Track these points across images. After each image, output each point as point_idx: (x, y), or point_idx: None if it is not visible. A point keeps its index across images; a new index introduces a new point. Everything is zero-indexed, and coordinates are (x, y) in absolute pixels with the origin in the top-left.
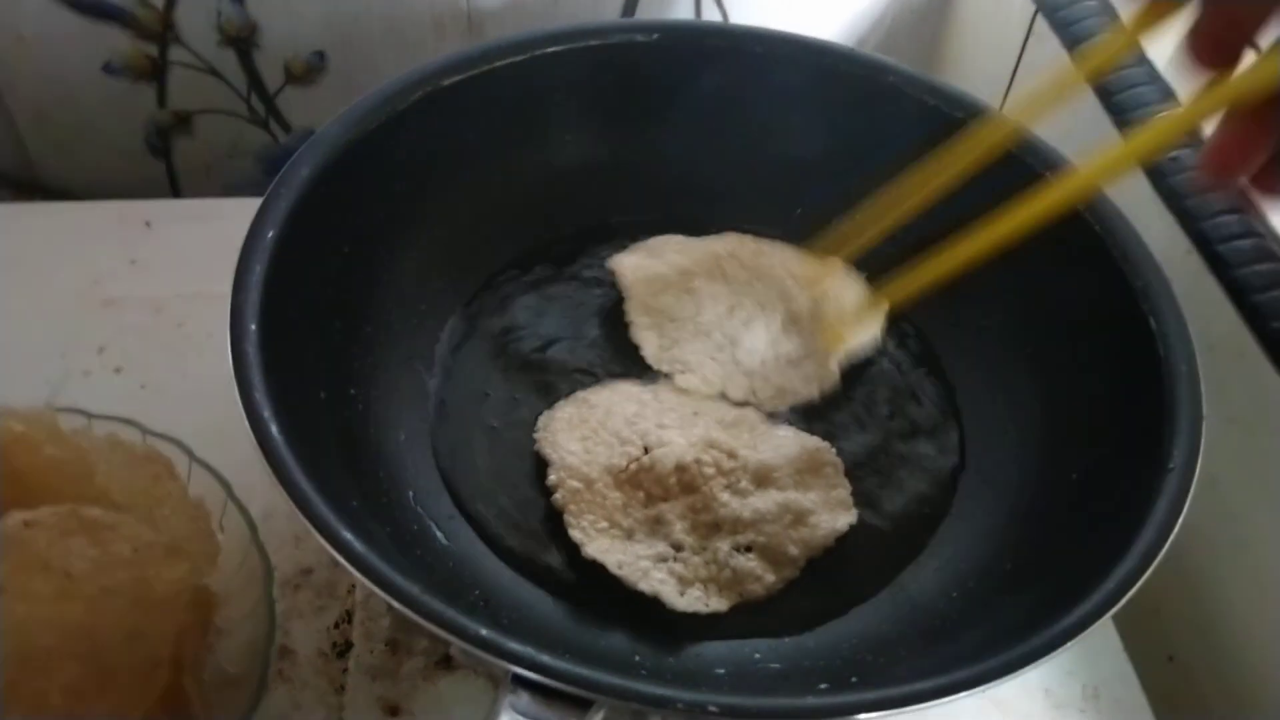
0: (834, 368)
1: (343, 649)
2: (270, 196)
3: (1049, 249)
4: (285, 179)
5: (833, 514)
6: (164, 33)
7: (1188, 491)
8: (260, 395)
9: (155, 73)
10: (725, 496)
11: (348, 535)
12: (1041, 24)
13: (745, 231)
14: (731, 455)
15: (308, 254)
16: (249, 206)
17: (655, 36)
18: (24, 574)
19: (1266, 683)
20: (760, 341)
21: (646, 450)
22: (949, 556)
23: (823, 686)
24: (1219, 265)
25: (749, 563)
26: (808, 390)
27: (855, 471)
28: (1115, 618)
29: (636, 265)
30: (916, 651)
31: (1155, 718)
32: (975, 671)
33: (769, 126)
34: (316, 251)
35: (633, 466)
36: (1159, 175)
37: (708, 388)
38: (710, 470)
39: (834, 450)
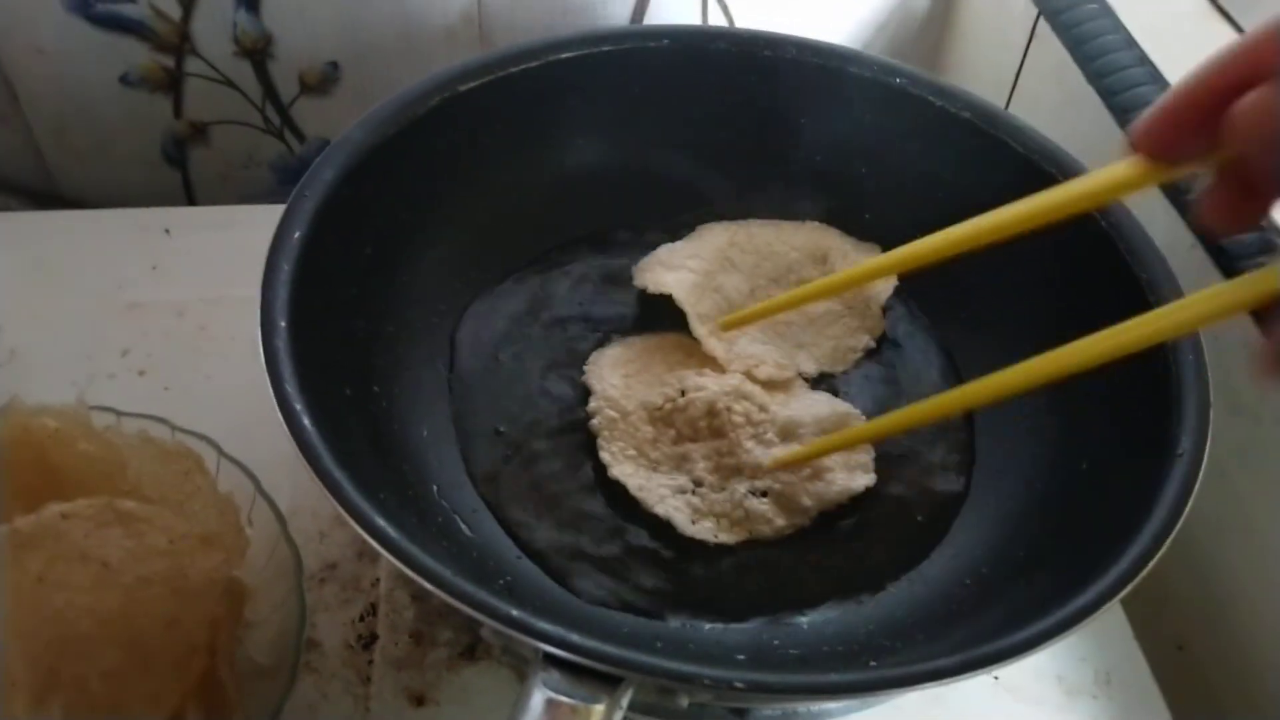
0: (876, 313)
1: (368, 641)
2: (296, 198)
3: (1056, 242)
4: (310, 181)
5: (850, 474)
6: (180, 45)
7: (1197, 475)
8: (292, 388)
9: (172, 84)
10: (750, 444)
11: (381, 521)
12: (1044, 26)
13: None
14: (763, 408)
15: (332, 254)
16: (266, 213)
17: (665, 42)
18: (62, 564)
19: (1275, 670)
20: (792, 317)
21: (683, 393)
22: (963, 544)
23: (837, 672)
24: (1223, 258)
25: (762, 506)
26: (860, 341)
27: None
28: (1125, 606)
29: (677, 281)
30: (932, 636)
31: (1166, 704)
32: (991, 650)
33: (779, 130)
34: (340, 252)
35: (668, 405)
36: None
37: (784, 372)
38: (740, 419)
39: (863, 417)
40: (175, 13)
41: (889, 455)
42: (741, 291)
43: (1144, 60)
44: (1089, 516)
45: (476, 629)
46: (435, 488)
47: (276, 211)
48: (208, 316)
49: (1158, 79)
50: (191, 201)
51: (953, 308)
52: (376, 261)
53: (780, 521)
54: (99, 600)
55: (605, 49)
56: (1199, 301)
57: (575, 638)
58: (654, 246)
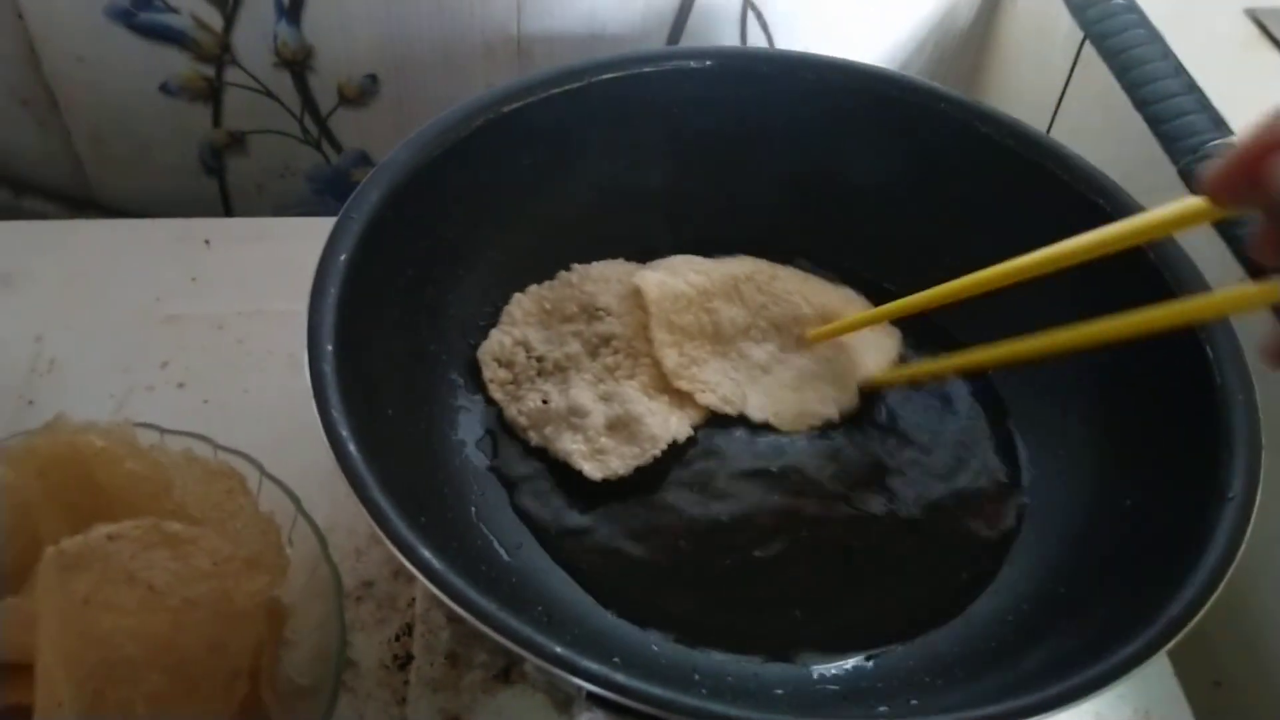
0: (853, 389)
1: (403, 661)
2: (342, 220)
3: (1104, 277)
4: (356, 203)
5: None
6: (221, 55)
7: (1248, 522)
8: (338, 414)
9: (211, 94)
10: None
11: (426, 553)
12: (1089, 50)
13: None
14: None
15: (376, 276)
16: (305, 226)
17: (708, 63)
18: (109, 586)
19: None
20: (774, 364)
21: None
22: (1005, 580)
23: (882, 709)
24: None
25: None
26: (826, 411)
27: (920, 498)
28: None
29: (660, 283)
30: (974, 675)
31: None
32: (1035, 700)
33: (821, 152)
34: (384, 273)
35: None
36: None
37: (728, 407)
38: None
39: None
40: (217, 23)
41: (926, 490)
42: (737, 325)
43: (1192, 87)
44: (1134, 557)
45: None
46: (473, 510)
47: (315, 224)
48: (246, 330)
49: (1206, 106)
50: (228, 210)
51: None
52: (419, 282)
53: (522, 421)
54: (145, 623)
55: (647, 70)
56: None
57: (620, 678)
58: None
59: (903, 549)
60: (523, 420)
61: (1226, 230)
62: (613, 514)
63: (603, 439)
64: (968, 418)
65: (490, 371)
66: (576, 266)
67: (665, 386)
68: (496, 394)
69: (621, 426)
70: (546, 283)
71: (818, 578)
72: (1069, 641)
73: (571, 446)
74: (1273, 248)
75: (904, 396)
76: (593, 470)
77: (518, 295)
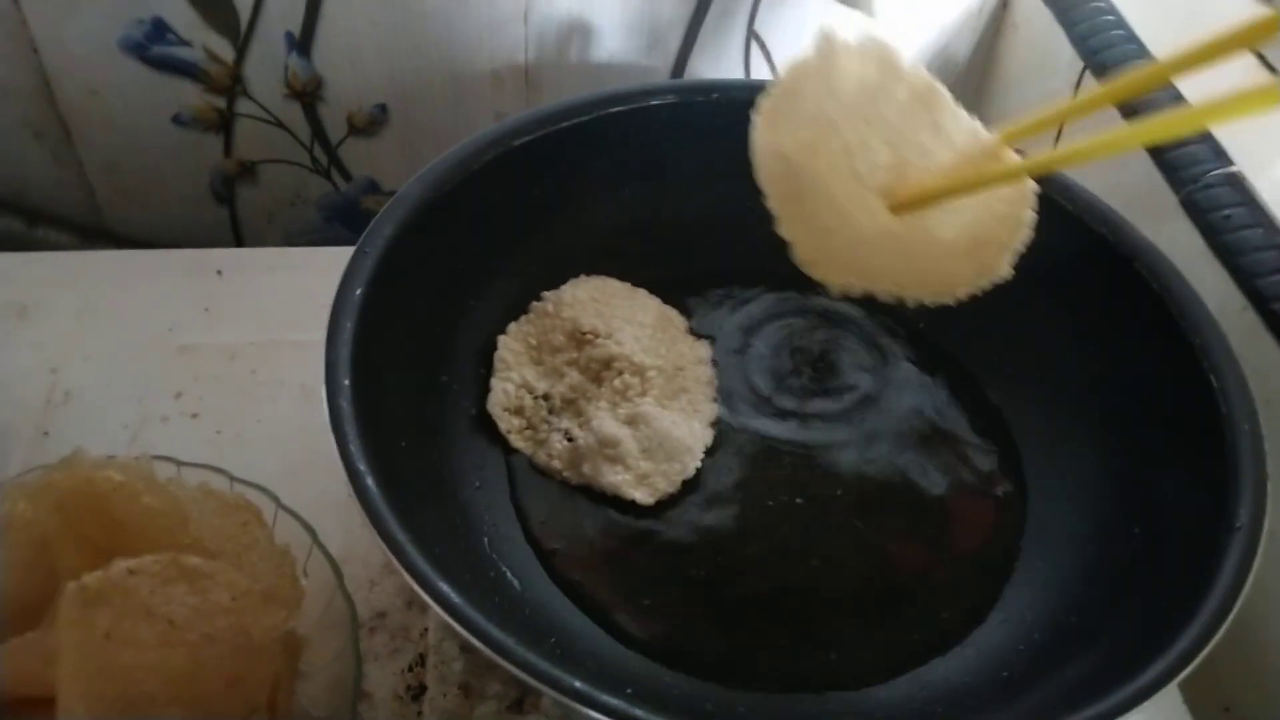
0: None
1: (417, 692)
2: (357, 255)
3: (1107, 306)
4: (370, 238)
5: (635, 487)
6: (232, 86)
7: (1255, 551)
8: (355, 448)
9: (223, 124)
10: (603, 406)
11: (444, 586)
12: (1090, 80)
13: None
14: (639, 392)
15: (391, 309)
16: (316, 256)
17: (714, 96)
18: (129, 621)
19: None
20: None
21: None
22: (1015, 609)
23: None
24: (1275, 321)
25: (557, 444)
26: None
27: (920, 526)
28: None
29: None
30: (986, 704)
31: None
32: None
33: None
34: (398, 306)
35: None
36: (1213, 232)
37: None
38: (618, 384)
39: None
40: (229, 55)
41: (935, 514)
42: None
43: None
44: (1143, 585)
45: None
46: (486, 540)
47: (326, 254)
48: (259, 360)
49: (1207, 136)
50: (238, 238)
51: (990, 366)
52: (431, 314)
53: (555, 464)
54: (164, 658)
55: (653, 103)
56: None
57: (639, 712)
58: (710, 300)
59: (904, 577)
60: (556, 464)
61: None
62: (625, 543)
63: (643, 464)
64: (971, 442)
65: (505, 423)
66: (547, 294)
67: (675, 393)
68: (518, 443)
69: (656, 447)
70: (524, 318)
71: (825, 608)
72: (1081, 672)
73: (615, 478)
74: None
75: (900, 418)
76: (644, 497)
77: (502, 338)
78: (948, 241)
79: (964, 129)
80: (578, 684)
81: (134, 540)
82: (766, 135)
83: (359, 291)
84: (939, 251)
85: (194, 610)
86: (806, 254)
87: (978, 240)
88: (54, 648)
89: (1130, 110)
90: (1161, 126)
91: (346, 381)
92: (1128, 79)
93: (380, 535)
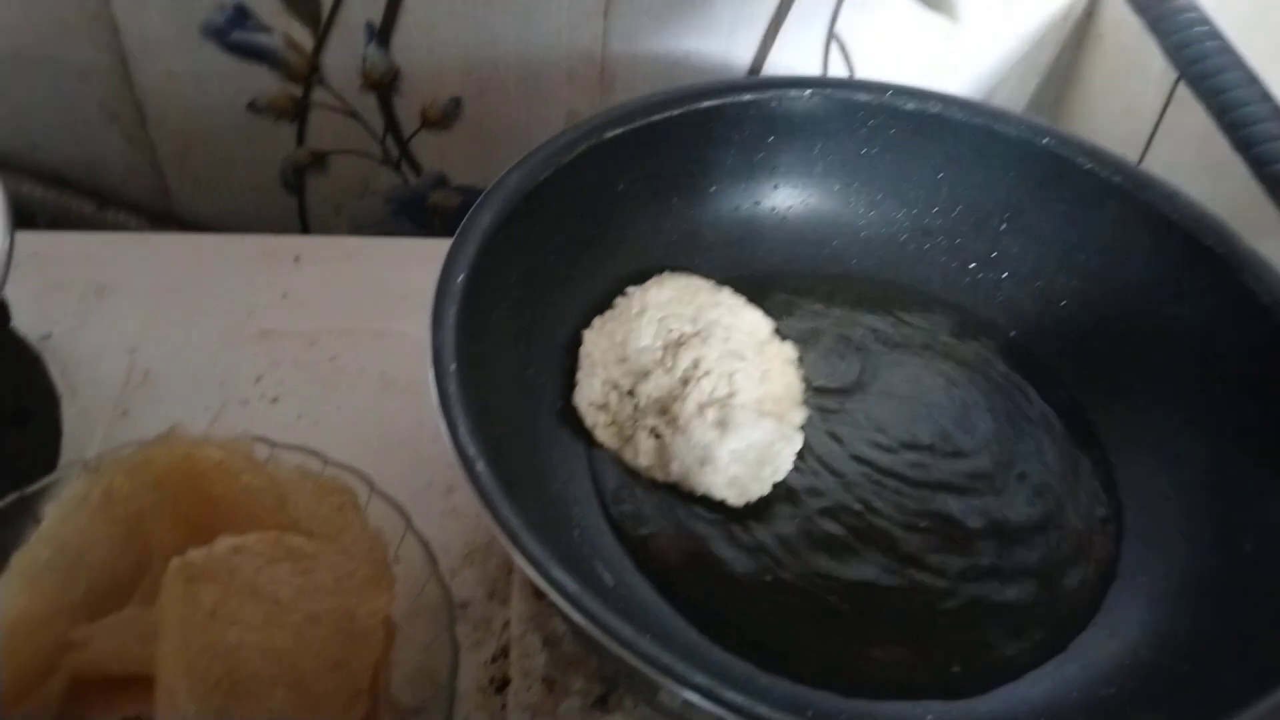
0: None
1: (500, 685)
2: (458, 241)
3: (1200, 305)
4: (470, 225)
5: (727, 487)
6: (310, 75)
7: None
8: (465, 433)
9: (297, 113)
10: (690, 406)
11: (560, 574)
12: (1184, 92)
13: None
14: (726, 397)
15: (487, 297)
16: (392, 247)
17: (808, 92)
18: (234, 599)
19: None
20: None
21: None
22: (1118, 623)
23: None
24: None
25: (645, 441)
26: None
27: (1015, 535)
28: None
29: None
30: None
31: None
32: None
33: (916, 184)
34: (493, 295)
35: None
36: None
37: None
38: (706, 386)
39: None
40: (308, 43)
41: (1027, 524)
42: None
43: (1266, 97)
44: (1258, 604)
45: (610, 679)
46: (577, 533)
47: (401, 244)
48: (337, 348)
49: None
50: (305, 228)
51: (1085, 375)
52: (520, 305)
53: (643, 462)
54: (270, 638)
55: (746, 98)
56: None
57: (763, 709)
58: (798, 302)
59: (1001, 587)
60: (643, 461)
61: None
62: (715, 542)
63: (733, 467)
64: (1058, 445)
65: (591, 418)
66: (631, 290)
67: (765, 395)
68: (604, 438)
69: (747, 449)
70: (608, 313)
71: (920, 617)
72: (1193, 694)
73: (706, 479)
74: None
75: (993, 423)
76: (735, 498)
77: (587, 333)
78: None
79: None
80: (700, 679)
81: (230, 519)
82: None
83: (461, 278)
84: None
85: (298, 590)
86: None
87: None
88: (152, 625)
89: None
90: None
91: (453, 366)
92: None
93: (494, 518)
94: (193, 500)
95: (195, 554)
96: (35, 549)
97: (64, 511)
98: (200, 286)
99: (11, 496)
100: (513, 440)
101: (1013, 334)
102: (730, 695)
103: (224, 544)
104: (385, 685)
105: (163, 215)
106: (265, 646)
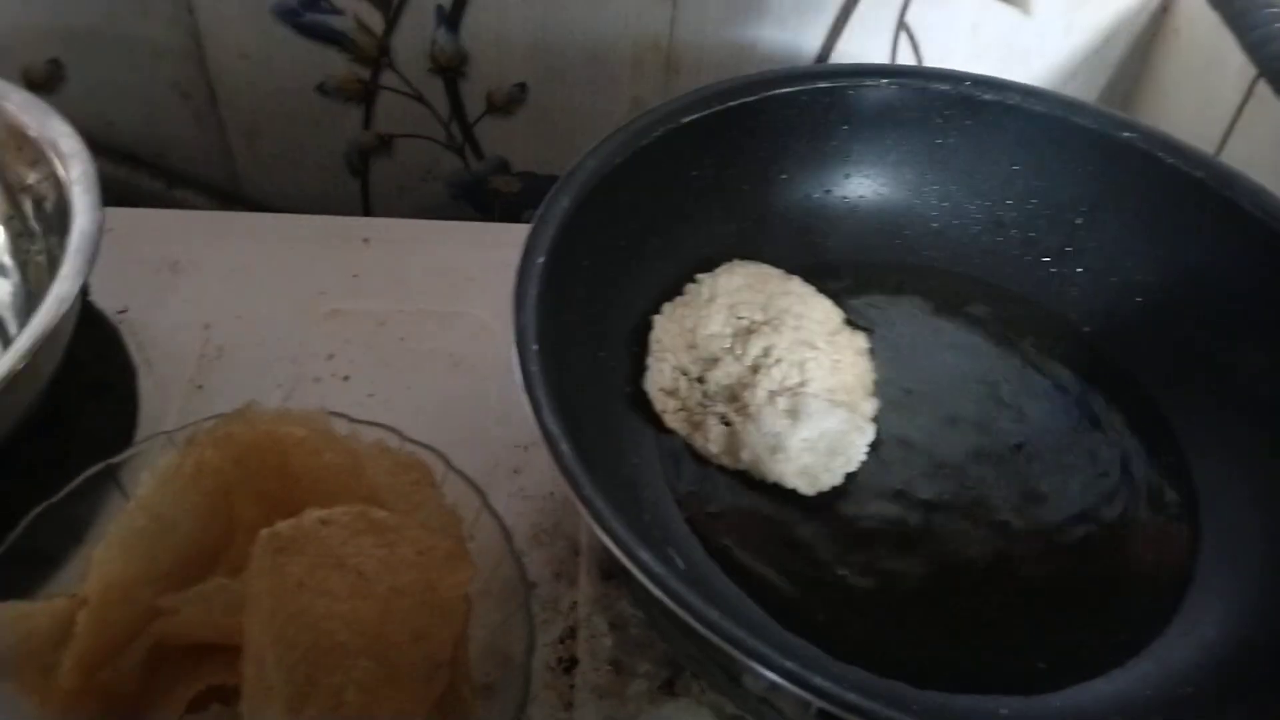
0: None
1: (569, 665)
2: (538, 224)
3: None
4: (549, 209)
5: (798, 476)
6: (379, 58)
7: None
8: (549, 414)
9: (365, 96)
10: (761, 394)
11: (645, 555)
12: (1263, 89)
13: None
14: (799, 385)
15: (563, 281)
16: (459, 230)
17: (884, 81)
18: (321, 570)
19: None
20: None
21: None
22: (1196, 622)
23: None
24: None
25: (715, 427)
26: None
27: (1090, 533)
28: None
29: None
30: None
31: None
32: None
33: (992, 176)
34: (569, 278)
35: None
36: None
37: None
38: (777, 374)
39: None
40: (378, 26)
41: (1103, 522)
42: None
43: None
44: None
45: (676, 663)
46: (648, 517)
47: (468, 228)
48: (408, 328)
49: None
50: (367, 211)
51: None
52: (592, 289)
53: (713, 449)
54: (355, 609)
55: (821, 85)
56: None
57: (852, 697)
58: (863, 284)
59: (1075, 584)
60: (713, 448)
61: None
62: (786, 531)
63: (805, 456)
64: (1132, 444)
65: (660, 404)
66: (701, 277)
67: (835, 385)
68: (673, 424)
69: (819, 438)
70: (678, 299)
71: (990, 612)
72: (1273, 695)
73: (777, 468)
74: None
75: (1065, 418)
76: (806, 487)
77: (657, 318)
78: None
79: None
80: (789, 664)
81: (311, 493)
82: None
83: (540, 260)
84: None
85: (382, 563)
86: None
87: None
88: (236, 596)
89: None
90: None
91: (535, 347)
92: None
93: (579, 500)
94: (274, 476)
95: (283, 525)
96: (133, 516)
97: (159, 481)
98: (272, 265)
99: (98, 465)
100: (586, 423)
101: (1086, 329)
102: (819, 681)
103: (311, 516)
104: (465, 660)
105: (230, 195)
106: (351, 617)
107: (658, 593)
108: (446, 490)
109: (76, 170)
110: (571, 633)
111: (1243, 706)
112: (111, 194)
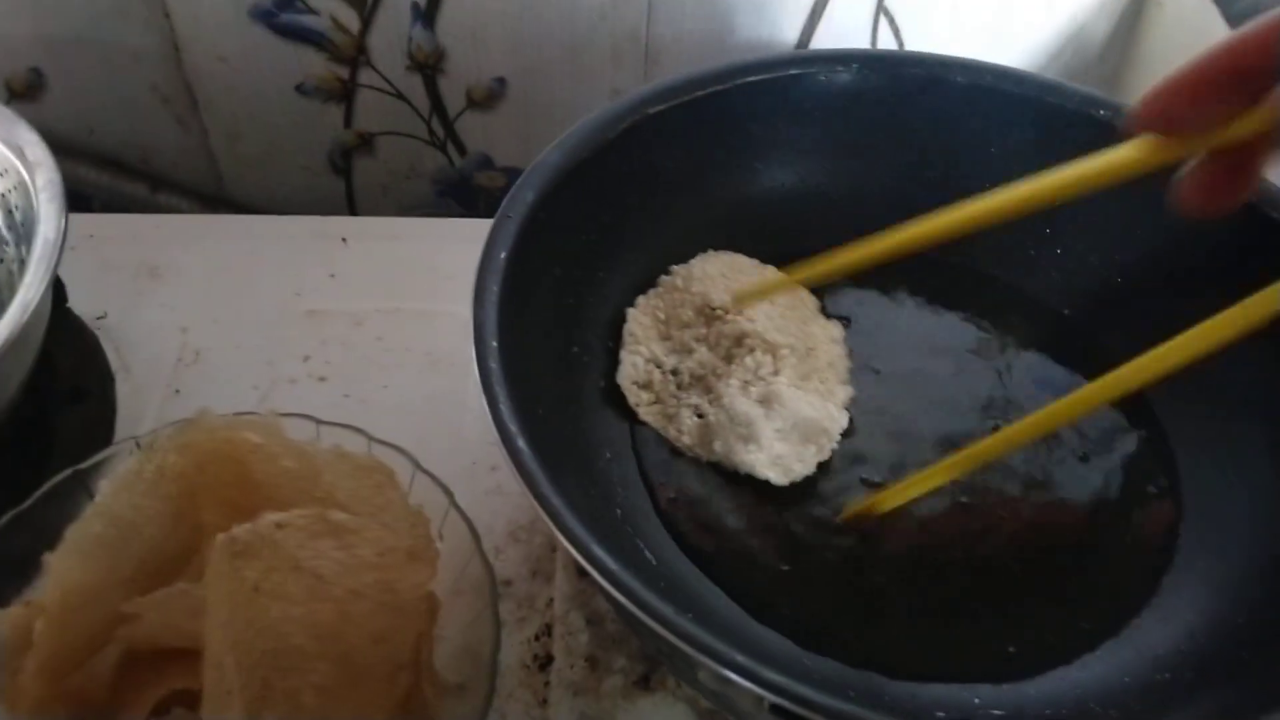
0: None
1: (544, 662)
2: (500, 219)
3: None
4: (512, 202)
5: (769, 467)
6: (356, 57)
7: None
8: (506, 409)
9: (344, 95)
10: (734, 384)
11: (599, 551)
12: None
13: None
14: (771, 373)
15: (529, 275)
16: (437, 227)
17: (854, 66)
18: (278, 574)
19: None
20: None
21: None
22: (1175, 607)
23: None
24: None
25: (687, 419)
26: None
27: (1068, 517)
28: None
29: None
30: (1149, 707)
31: None
32: None
33: (967, 159)
34: (535, 273)
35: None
36: None
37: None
38: (750, 363)
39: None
40: (354, 25)
41: (1081, 505)
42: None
43: None
44: None
45: (652, 658)
46: (619, 512)
47: (447, 225)
48: (384, 327)
49: None
50: (352, 210)
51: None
52: (563, 284)
53: (686, 440)
54: (313, 612)
55: (792, 72)
56: None
57: (804, 690)
58: (843, 281)
59: (1051, 568)
60: (686, 439)
61: None
62: (759, 522)
63: (777, 445)
64: (1114, 426)
65: (634, 397)
66: (676, 268)
67: (808, 374)
68: (647, 417)
69: (791, 428)
70: (652, 291)
71: (967, 599)
72: (1251, 682)
73: (749, 458)
74: (1213, 189)
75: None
76: (779, 478)
77: (631, 311)
78: None
79: None
80: (740, 658)
81: (269, 500)
82: None
83: (503, 255)
84: None
85: (341, 565)
86: None
87: None
88: (200, 600)
89: None
90: None
91: (495, 343)
92: None
93: (533, 494)
94: (235, 482)
95: (239, 530)
96: (90, 523)
97: (118, 487)
98: (250, 267)
99: (66, 472)
100: (556, 418)
101: (1067, 312)
102: (771, 675)
103: (267, 520)
104: (428, 660)
105: (214, 198)
106: (309, 621)
107: (610, 588)
108: (416, 490)
109: (42, 178)
110: (547, 630)
111: (1221, 692)
112: (97, 200)
